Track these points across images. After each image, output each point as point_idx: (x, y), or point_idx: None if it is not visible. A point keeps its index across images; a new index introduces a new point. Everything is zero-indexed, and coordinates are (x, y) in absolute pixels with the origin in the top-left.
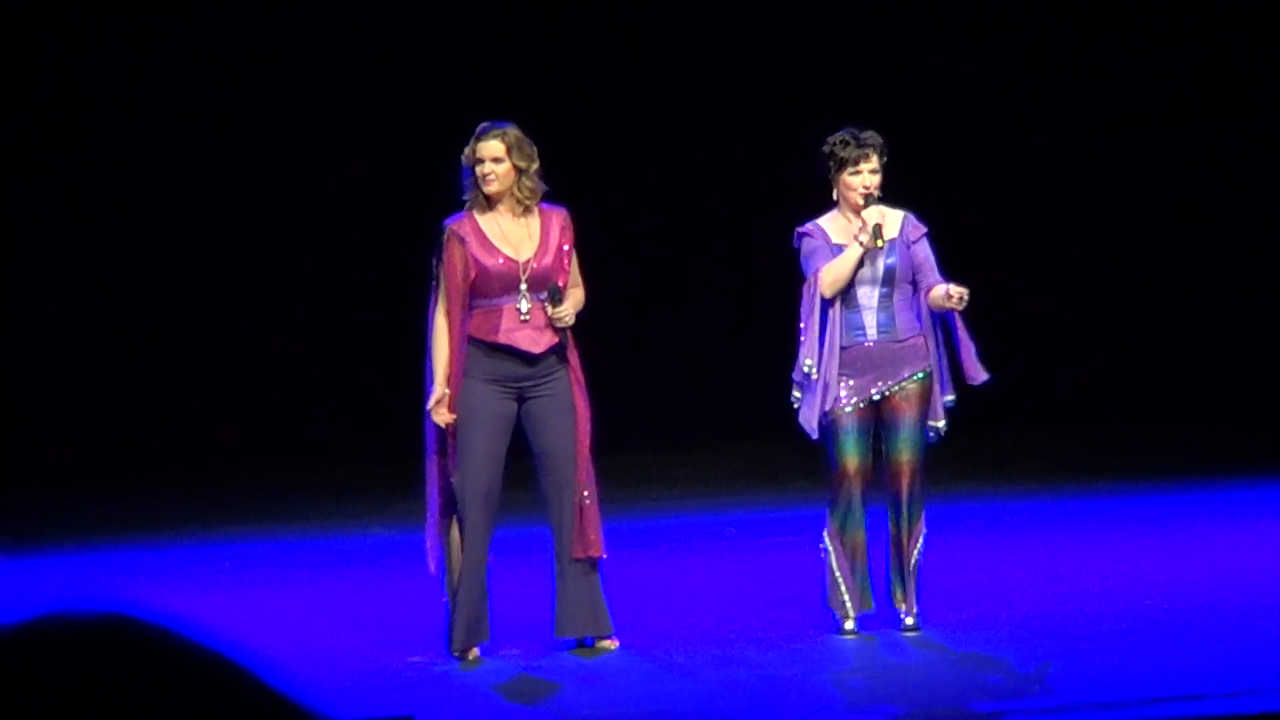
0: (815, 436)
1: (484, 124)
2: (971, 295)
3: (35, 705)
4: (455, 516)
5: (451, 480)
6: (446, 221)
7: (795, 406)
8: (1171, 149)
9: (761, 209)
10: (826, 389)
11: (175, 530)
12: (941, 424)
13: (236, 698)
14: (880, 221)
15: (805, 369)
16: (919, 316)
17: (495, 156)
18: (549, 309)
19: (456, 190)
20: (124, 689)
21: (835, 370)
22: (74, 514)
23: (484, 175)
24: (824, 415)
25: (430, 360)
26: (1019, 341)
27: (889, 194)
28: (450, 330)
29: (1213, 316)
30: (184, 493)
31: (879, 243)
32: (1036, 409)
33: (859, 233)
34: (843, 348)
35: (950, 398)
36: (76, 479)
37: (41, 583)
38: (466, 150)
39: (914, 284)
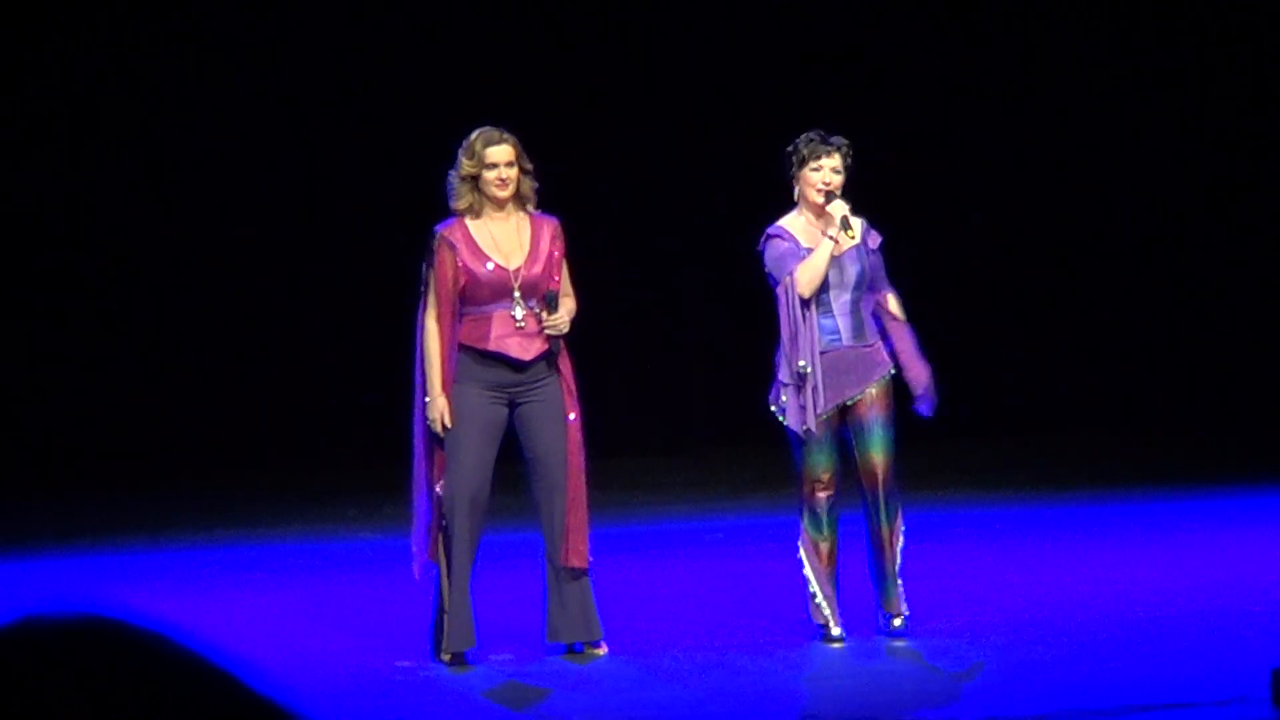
0: (814, 435)
1: (485, 129)
2: (964, 301)
3: (14, 709)
4: (443, 521)
5: (440, 485)
6: (438, 227)
7: (776, 410)
8: (1171, 154)
9: (756, 214)
10: (816, 392)
11: (163, 534)
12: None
13: (221, 703)
14: (847, 214)
15: (800, 369)
16: (877, 321)
17: (509, 161)
18: (544, 316)
19: (446, 196)
20: (106, 692)
21: (821, 374)
22: (64, 516)
23: (498, 180)
24: (797, 421)
25: (420, 366)
26: (1009, 349)
27: (867, 196)
28: (441, 335)
29: (1204, 325)
30: (172, 497)
31: (849, 233)
32: (1025, 416)
33: (828, 228)
34: (821, 352)
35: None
36: (67, 481)
37: (30, 585)
38: (467, 157)
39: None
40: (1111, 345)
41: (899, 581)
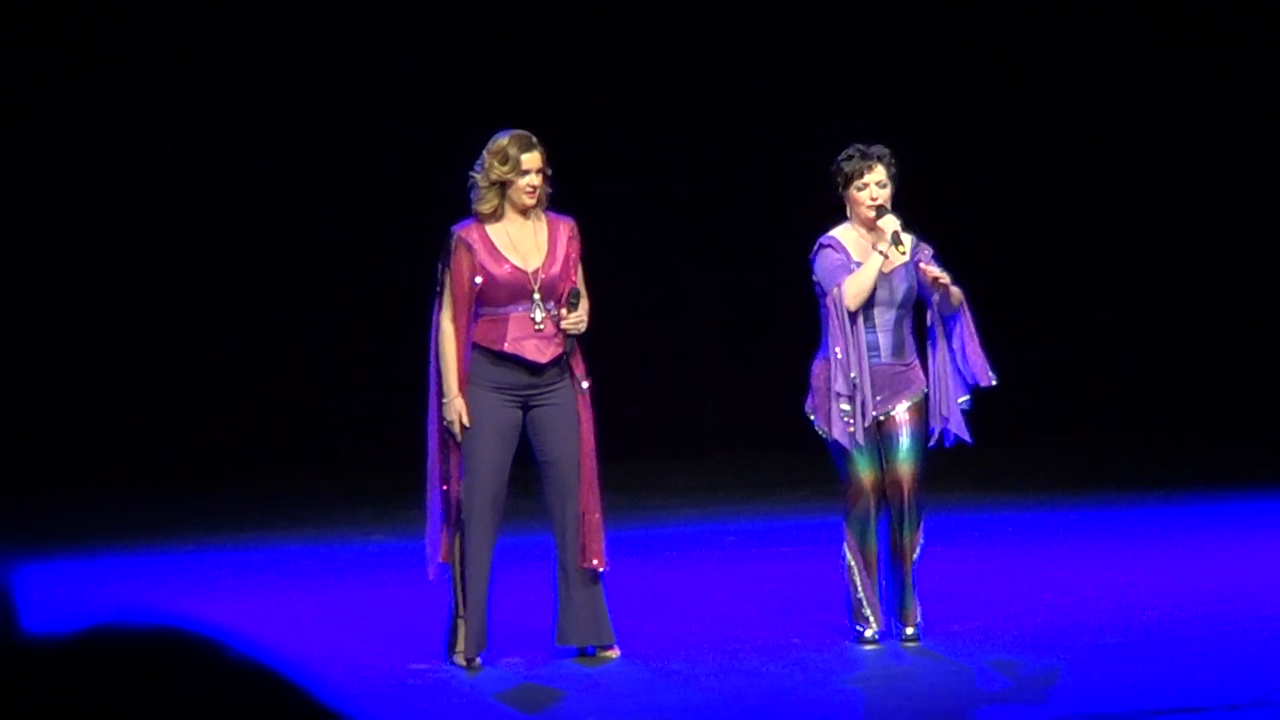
0: (850, 446)
1: (516, 133)
2: (974, 305)
3: (91, 717)
4: (459, 523)
5: (454, 487)
6: (454, 228)
7: (814, 419)
8: (1174, 156)
9: (766, 219)
10: (865, 404)
11: (178, 536)
12: (955, 424)
13: (291, 715)
14: (898, 229)
15: (853, 379)
16: (916, 340)
17: (539, 168)
18: (564, 313)
19: (465, 197)
20: (180, 702)
21: (869, 386)
22: (73, 518)
23: (529, 187)
24: (843, 430)
25: (435, 366)
26: (1021, 352)
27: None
28: (456, 336)
29: (1217, 328)
30: (186, 499)
31: (900, 249)
32: (1039, 420)
33: (878, 242)
34: None
35: (964, 398)
36: (80, 485)
37: (41, 587)
38: (500, 162)
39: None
40: (1126, 348)
41: (913, 592)
